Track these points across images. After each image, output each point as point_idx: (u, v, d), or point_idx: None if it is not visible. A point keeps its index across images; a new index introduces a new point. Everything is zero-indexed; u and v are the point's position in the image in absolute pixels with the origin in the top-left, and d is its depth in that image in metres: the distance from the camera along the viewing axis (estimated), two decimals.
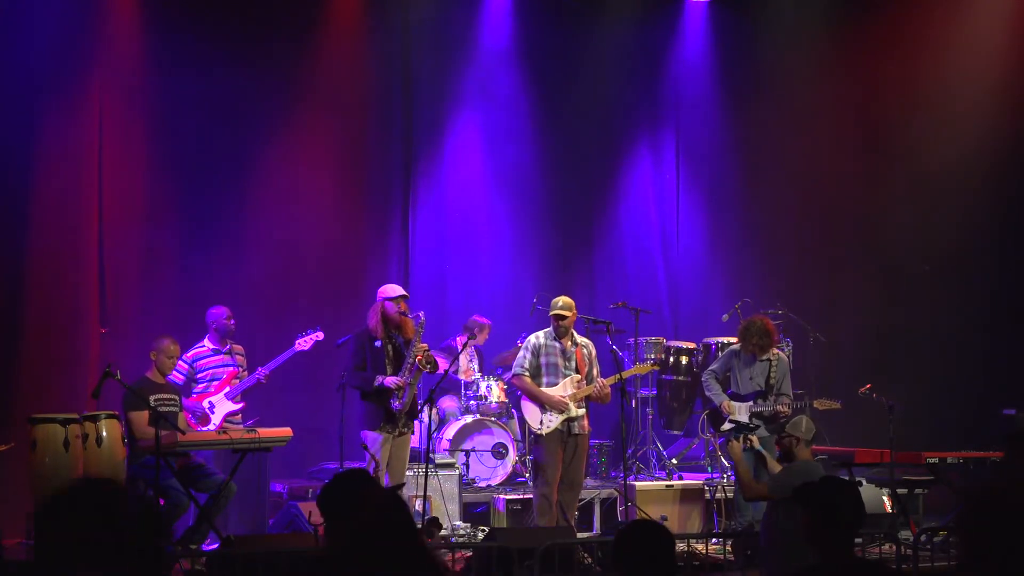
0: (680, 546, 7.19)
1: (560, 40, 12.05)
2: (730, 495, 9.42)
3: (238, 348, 9.19)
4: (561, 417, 8.52)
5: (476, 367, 10.74)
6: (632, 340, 10.67)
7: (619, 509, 9.60)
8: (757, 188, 12.31)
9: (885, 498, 9.14)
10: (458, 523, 9.12)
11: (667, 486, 9.83)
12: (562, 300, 8.66)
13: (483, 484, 9.98)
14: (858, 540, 7.92)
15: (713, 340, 10.81)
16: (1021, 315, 11.45)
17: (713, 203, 12.56)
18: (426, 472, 8.26)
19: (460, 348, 9.68)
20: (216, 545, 7.64)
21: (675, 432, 11.15)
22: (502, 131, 11.92)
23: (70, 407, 8.26)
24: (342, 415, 8.29)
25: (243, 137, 10.62)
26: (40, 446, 7.54)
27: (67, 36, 9.79)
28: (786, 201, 12.21)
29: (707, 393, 9.32)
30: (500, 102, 11.91)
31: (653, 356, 10.69)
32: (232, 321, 9.07)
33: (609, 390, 8.63)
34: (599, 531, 9.48)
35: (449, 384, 10.25)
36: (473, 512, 9.67)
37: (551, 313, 8.65)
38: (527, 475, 10.05)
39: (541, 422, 8.53)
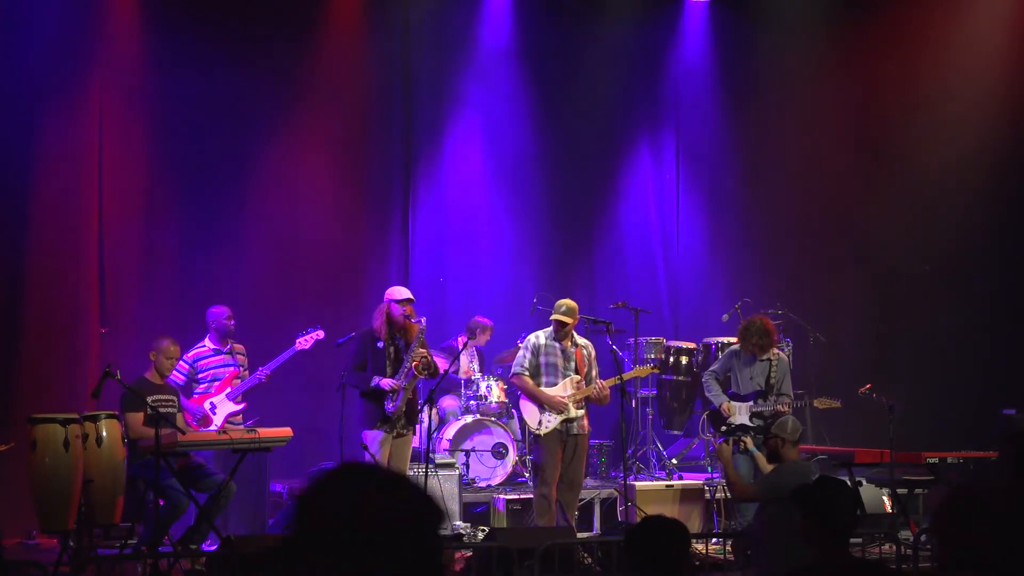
0: None
1: (560, 40, 12.04)
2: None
3: (239, 348, 9.18)
4: (560, 417, 8.52)
5: (477, 367, 10.74)
6: (632, 340, 10.66)
7: (619, 509, 9.60)
8: (757, 188, 12.30)
9: (885, 498, 9.14)
10: (458, 523, 9.12)
11: (667, 486, 9.83)
12: (565, 306, 8.61)
13: (483, 484, 9.98)
14: (858, 540, 7.99)
15: (713, 340, 10.80)
16: (1021, 315, 11.43)
17: (713, 203, 12.55)
18: (426, 472, 8.27)
19: (460, 348, 9.69)
20: (216, 545, 7.64)
21: (675, 432, 11.14)
22: (502, 131, 11.92)
23: (70, 407, 8.23)
24: (342, 415, 8.28)
25: (243, 137, 10.62)
26: (40, 446, 7.53)
27: (67, 36, 9.80)
28: (786, 201, 12.20)
29: (707, 394, 9.30)
30: (500, 102, 11.91)
31: (653, 356, 10.69)
32: (232, 321, 9.06)
33: (608, 392, 8.63)
34: (599, 531, 9.48)
35: (449, 383, 10.25)
36: (473, 512, 9.67)
37: (552, 316, 8.64)
38: (527, 475, 10.05)
39: (539, 422, 8.53)
